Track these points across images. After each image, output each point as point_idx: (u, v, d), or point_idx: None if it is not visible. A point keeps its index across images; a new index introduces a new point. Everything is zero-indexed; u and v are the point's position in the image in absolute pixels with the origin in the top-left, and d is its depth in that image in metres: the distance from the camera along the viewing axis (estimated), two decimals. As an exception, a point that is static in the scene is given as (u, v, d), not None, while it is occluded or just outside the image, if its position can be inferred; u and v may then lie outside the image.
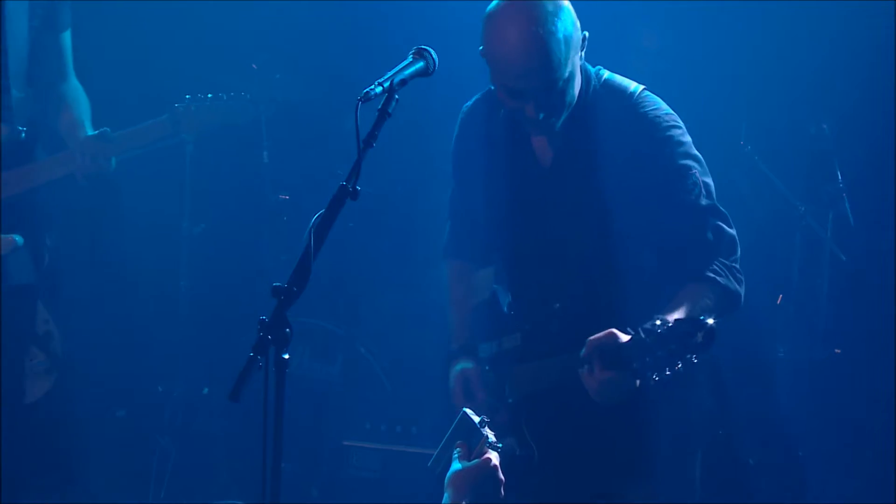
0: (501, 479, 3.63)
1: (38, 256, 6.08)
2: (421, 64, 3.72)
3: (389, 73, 3.61)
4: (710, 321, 3.48)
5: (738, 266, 4.02)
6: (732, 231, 4.05)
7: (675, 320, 3.55)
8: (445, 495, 3.59)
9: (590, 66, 4.10)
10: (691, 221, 4.00)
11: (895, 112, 6.53)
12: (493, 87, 4.19)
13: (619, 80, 4.13)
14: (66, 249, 7.17)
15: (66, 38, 6.02)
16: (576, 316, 4.09)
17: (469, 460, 3.65)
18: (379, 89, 3.54)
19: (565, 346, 3.93)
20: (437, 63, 3.76)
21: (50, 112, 6.09)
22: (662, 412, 4.19)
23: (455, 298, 4.53)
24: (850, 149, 6.64)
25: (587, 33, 3.94)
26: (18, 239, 5.92)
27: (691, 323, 3.51)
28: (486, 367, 4.33)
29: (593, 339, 3.70)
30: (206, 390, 6.77)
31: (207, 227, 6.82)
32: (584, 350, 3.73)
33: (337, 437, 6.14)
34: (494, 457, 3.64)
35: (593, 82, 4.08)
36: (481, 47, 3.98)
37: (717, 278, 3.94)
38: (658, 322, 3.57)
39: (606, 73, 4.13)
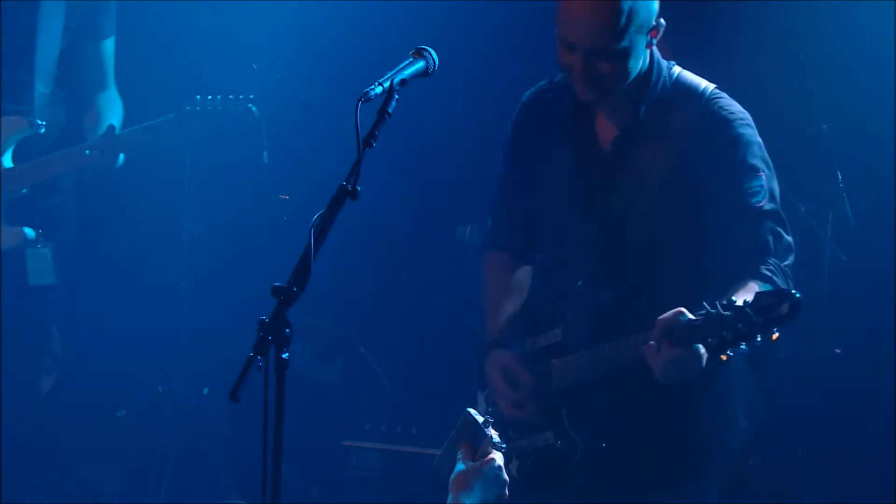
0: (506, 479, 3.63)
1: (59, 261, 6.09)
2: (421, 64, 3.71)
3: (389, 73, 3.61)
4: (797, 293, 3.53)
5: (790, 273, 4.03)
6: (790, 238, 4.08)
7: (757, 293, 3.59)
8: (450, 496, 3.59)
9: (663, 61, 4.12)
10: (752, 222, 4.02)
11: (895, 112, 6.52)
12: (555, 76, 4.27)
13: (692, 76, 4.16)
14: (67, 250, 7.18)
15: (108, 46, 6.02)
16: (625, 307, 4.09)
17: (473, 460, 3.65)
18: (379, 89, 3.53)
19: (611, 336, 3.96)
20: (437, 63, 3.76)
21: (85, 119, 6.09)
22: (705, 421, 4.19)
23: (492, 292, 4.48)
24: (850, 149, 6.63)
25: (664, 23, 3.96)
26: (29, 232, 5.92)
27: (776, 294, 3.56)
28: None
29: (663, 317, 3.72)
30: (206, 390, 6.76)
31: (207, 227, 6.82)
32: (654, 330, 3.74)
33: (337, 437, 6.14)
34: (499, 457, 3.63)
35: (664, 74, 4.10)
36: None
37: (774, 277, 3.96)
38: (733, 298, 3.61)
39: (678, 69, 4.16)
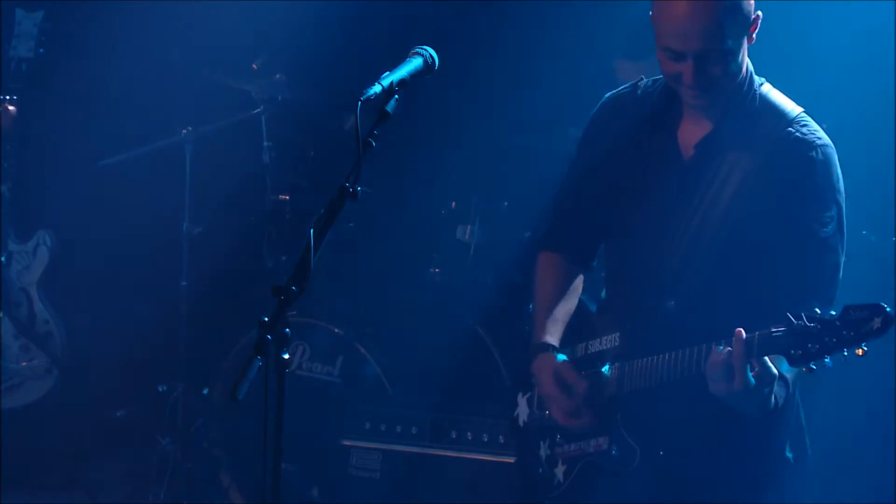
0: None
1: None
2: (421, 64, 3.72)
3: (389, 73, 3.62)
4: (888, 308, 3.51)
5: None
6: (839, 275, 4.05)
7: (845, 307, 3.55)
8: None
9: (755, 74, 4.08)
10: (817, 252, 3.98)
11: (895, 112, 6.53)
12: (639, 80, 4.25)
13: (780, 95, 4.11)
14: (67, 250, 7.20)
15: None
16: (690, 317, 4.03)
17: None
18: (379, 89, 3.54)
19: (672, 345, 3.90)
20: (437, 62, 3.76)
21: None
22: (753, 444, 4.14)
23: (545, 293, 4.38)
24: (850, 149, 6.62)
25: (760, 13, 3.92)
26: None
27: (867, 308, 3.52)
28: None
29: (742, 330, 3.66)
30: (206, 390, 6.76)
31: (208, 228, 6.82)
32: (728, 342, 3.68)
33: (337, 436, 6.13)
34: None
35: (755, 86, 4.06)
36: (650, 12, 3.95)
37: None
38: (818, 312, 3.58)
39: (769, 86, 4.11)
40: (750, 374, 3.66)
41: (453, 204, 6.85)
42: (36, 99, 7.23)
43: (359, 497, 6.00)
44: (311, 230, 3.39)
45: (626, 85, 4.34)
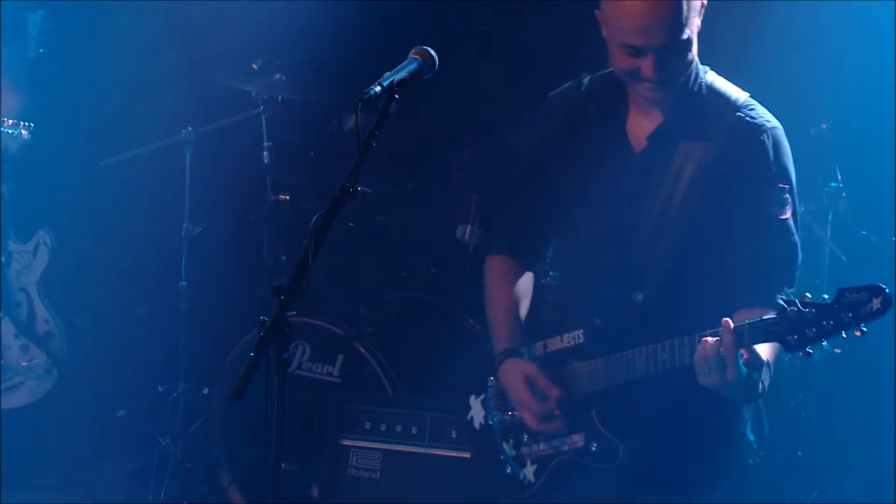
0: None
1: None
2: (422, 65, 3.72)
3: (389, 74, 3.62)
4: (886, 288, 3.50)
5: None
6: (799, 256, 4.06)
7: (840, 289, 3.54)
8: None
9: (699, 62, 4.09)
10: (776, 233, 4.00)
11: (895, 112, 6.53)
12: (583, 77, 4.24)
13: (726, 82, 4.13)
14: (68, 250, 7.20)
15: None
16: (658, 308, 4.04)
17: None
18: (378, 89, 3.55)
19: (644, 339, 3.89)
20: (437, 63, 3.76)
21: None
22: (719, 431, 4.17)
23: (499, 298, 4.37)
24: (850, 149, 6.63)
25: (706, 0, 3.93)
26: None
27: (865, 290, 3.51)
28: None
29: (729, 320, 3.66)
30: (206, 390, 6.77)
31: (207, 228, 6.82)
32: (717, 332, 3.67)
33: (336, 436, 6.13)
34: None
35: (701, 76, 4.08)
36: (597, 10, 3.95)
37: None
38: (809, 296, 3.58)
39: (713, 74, 4.13)
40: (741, 363, 3.66)
41: (454, 204, 6.84)
42: (36, 99, 7.23)
43: (359, 497, 5.99)
44: (311, 230, 3.39)
45: (569, 83, 4.33)
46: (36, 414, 7.02)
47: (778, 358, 3.86)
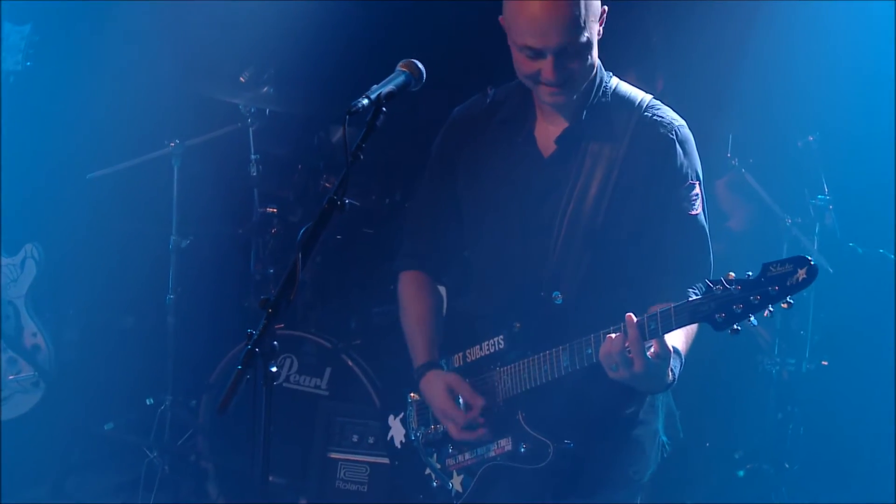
0: None
1: None
2: (409, 77, 3.74)
3: (376, 86, 3.63)
4: (810, 258, 3.56)
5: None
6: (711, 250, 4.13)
7: (765, 264, 3.59)
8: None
9: (604, 69, 4.13)
10: (688, 230, 4.07)
11: (890, 124, 6.55)
12: (489, 90, 4.29)
13: (630, 87, 4.18)
14: (55, 263, 7.19)
15: None
16: (577, 308, 4.07)
17: None
18: (366, 102, 3.56)
19: (565, 339, 3.94)
20: (425, 76, 3.78)
21: None
22: (638, 430, 4.24)
23: (414, 313, 4.42)
24: (838, 161, 6.66)
25: (607, 7, 3.98)
26: None
27: (790, 262, 3.56)
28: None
29: (632, 315, 3.72)
30: (194, 403, 6.76)
31: (195, 240, 6.82)
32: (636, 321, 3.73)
33: (324, 449, 6.13)
34: None
35: (606, 81, 4.13)
36: (501, 15, 3.99)
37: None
38: (733, 274, 3.62)
39: (617, 80, 4.18)
40: (647, 355, 3.71)
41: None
42: (23, 111, 7.22)
43: (346, 509, 6.00)
44: (299, 243, 3.40)
45: (474, 97, 4.38)
46: (23, 427, 7.00)
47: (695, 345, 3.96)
